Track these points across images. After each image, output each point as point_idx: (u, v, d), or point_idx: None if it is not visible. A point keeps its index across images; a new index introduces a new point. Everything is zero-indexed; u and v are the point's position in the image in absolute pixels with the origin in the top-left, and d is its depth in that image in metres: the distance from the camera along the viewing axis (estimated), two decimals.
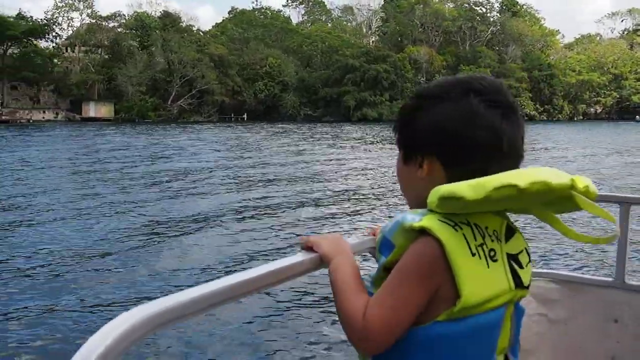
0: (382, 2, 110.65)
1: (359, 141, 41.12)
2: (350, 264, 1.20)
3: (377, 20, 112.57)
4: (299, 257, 1.20)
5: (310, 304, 7.09)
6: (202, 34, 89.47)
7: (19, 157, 26.67)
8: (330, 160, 26.79)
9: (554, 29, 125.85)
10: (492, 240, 1.15)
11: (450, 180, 1.13)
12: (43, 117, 78.89)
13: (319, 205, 14.46)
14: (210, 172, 21.94)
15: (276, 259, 1.14)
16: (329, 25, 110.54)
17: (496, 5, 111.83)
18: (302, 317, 6.74)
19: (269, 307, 6.98)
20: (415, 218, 1.12)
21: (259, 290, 1.07)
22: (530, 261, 1.24)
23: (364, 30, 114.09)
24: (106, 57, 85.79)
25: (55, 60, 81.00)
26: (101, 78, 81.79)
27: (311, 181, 19.29)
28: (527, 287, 1.20)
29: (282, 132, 53.73)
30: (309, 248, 1.23)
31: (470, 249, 1.10)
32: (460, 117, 1.18)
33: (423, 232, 1.09)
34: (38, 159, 26.38)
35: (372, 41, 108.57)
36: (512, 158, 1.20)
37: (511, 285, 1.16)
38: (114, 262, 9.20)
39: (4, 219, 12.62)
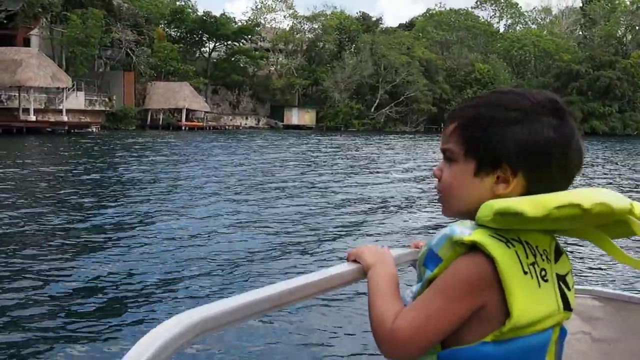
0: (582, 3, 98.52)
1: (602, 160, 32.93)
2: (389, 273, 1.18)
3: (574, 22, 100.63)
4: (342, 267, 1.18)
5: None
6: (405, 36, 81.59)
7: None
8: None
9: None
10: (543, 260, 1.10)
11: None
12: (245, 124, 74.29)
13: None
14: None
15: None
16: (534, 27, 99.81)
17: None
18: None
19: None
20: (464, 232, 1.07)
21: (301, 300, 1.05)
22: (573, 283, 1.20)
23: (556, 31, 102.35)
24: (304, 61, 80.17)
25: (261, 63, 75.83)
26: (307, 83, 76.01)
27: None
28: (572, 310, 1.16)
29: None
30: (353, 259, 1.23)
31: (522, 267, 1.05)
32: (562, 138, 1.11)
33: (473, 247, 1.05)
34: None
35: (570, 45, 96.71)
36: (577, 175, 1.17)
37: (560, 307, 1.11)
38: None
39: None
